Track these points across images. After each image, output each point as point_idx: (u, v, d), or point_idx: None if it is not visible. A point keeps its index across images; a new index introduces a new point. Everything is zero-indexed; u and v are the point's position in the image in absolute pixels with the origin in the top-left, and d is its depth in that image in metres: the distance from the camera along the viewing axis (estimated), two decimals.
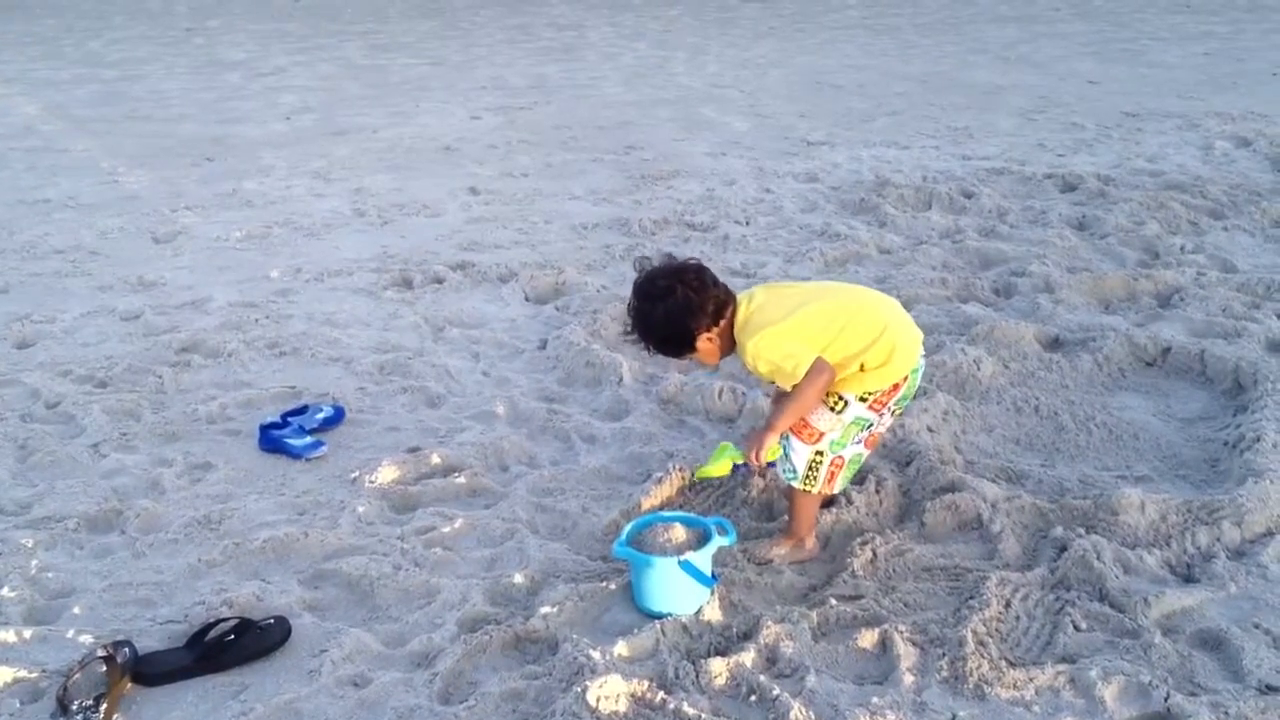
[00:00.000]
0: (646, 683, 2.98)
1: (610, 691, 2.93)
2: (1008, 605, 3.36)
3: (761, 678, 3.00)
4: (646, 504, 3.90)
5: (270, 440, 4.31)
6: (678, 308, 3.38)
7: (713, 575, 3.36)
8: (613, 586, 3.41)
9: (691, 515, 3.52)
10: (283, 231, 7.26)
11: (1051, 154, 9.13)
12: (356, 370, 5.06)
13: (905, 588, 3.49)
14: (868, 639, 3.21)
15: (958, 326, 5.48)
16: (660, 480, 3.99)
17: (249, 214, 7.66)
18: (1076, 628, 3.28)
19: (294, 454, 4.27)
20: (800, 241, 6.91)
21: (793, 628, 3.23)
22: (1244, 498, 3.82)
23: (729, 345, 3.50)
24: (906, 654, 3.14)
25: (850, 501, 3.88)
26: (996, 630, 3.24)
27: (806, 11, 18.00)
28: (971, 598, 3.40)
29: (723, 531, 3.38)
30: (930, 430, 4.42)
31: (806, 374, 3.33)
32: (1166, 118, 10.34)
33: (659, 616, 3.27)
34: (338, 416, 4.55)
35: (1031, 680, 3.02)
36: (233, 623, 3.18)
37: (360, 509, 3.88)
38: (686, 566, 3.24)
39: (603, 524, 3.81)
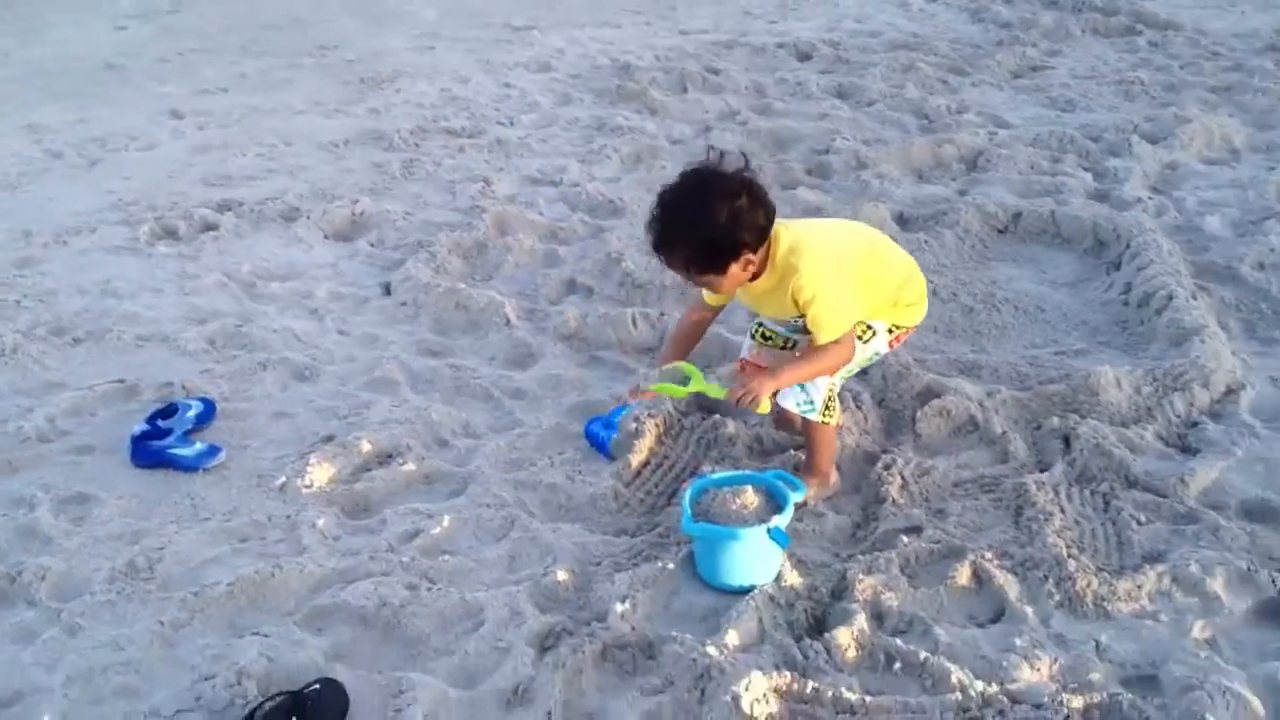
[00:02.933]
0: (788, 674, 2.65)
1: (758, 692, 2.59)
2: (1062, 511, 3.25)
3: (898, 642, 2.76)
4: (635, 460, 3.51)
5: (149, 454, 3.56)
6: (742, 214, 2.94)
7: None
8: (671, 565, 3.04)
9: (744, 471, 3.17)
10: None
11: (763, 21, 9.06)
12: (186, 349, 4.28)
13: (953, 508, 3.33)
14: (963, 575, 3.02)
15: (807, 215, 5.29)
16: (638, 432, 3.60)
17: None
18: (1139, 521, 3.23)
19: (186, 467, 3.54)
20: (582, 140, 6.49)
21: (885, 577, 2.98)
22: (1202, 358, 3.88)
23: (756, 274, 3.11)
24: (1008, 583, 2.98)
25: (838, 424, 3.64)
26: (1074, 540, 3.13)
27: None
28: (1021, 508, 3.28)
29: (791, 486, 3.06)
30: None
31: (838, 340, 3.09)
32: None
33: (741, 591, 2.93)
34: (209, 411, 3.82)
35: (1140, 588, 2.94)
36: (279, 700, 2.57)
37: (319, 522, 3.27)
38: (776, 534, 2.91)
39: (601, 491, 3.40)
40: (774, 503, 3.02)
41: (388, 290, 4.75)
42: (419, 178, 5.96)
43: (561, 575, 3.02)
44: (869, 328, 3.28)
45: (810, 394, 3.25)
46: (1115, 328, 4.35)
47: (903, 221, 5.23)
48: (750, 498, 3.00)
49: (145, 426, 3.64)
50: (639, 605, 2.90)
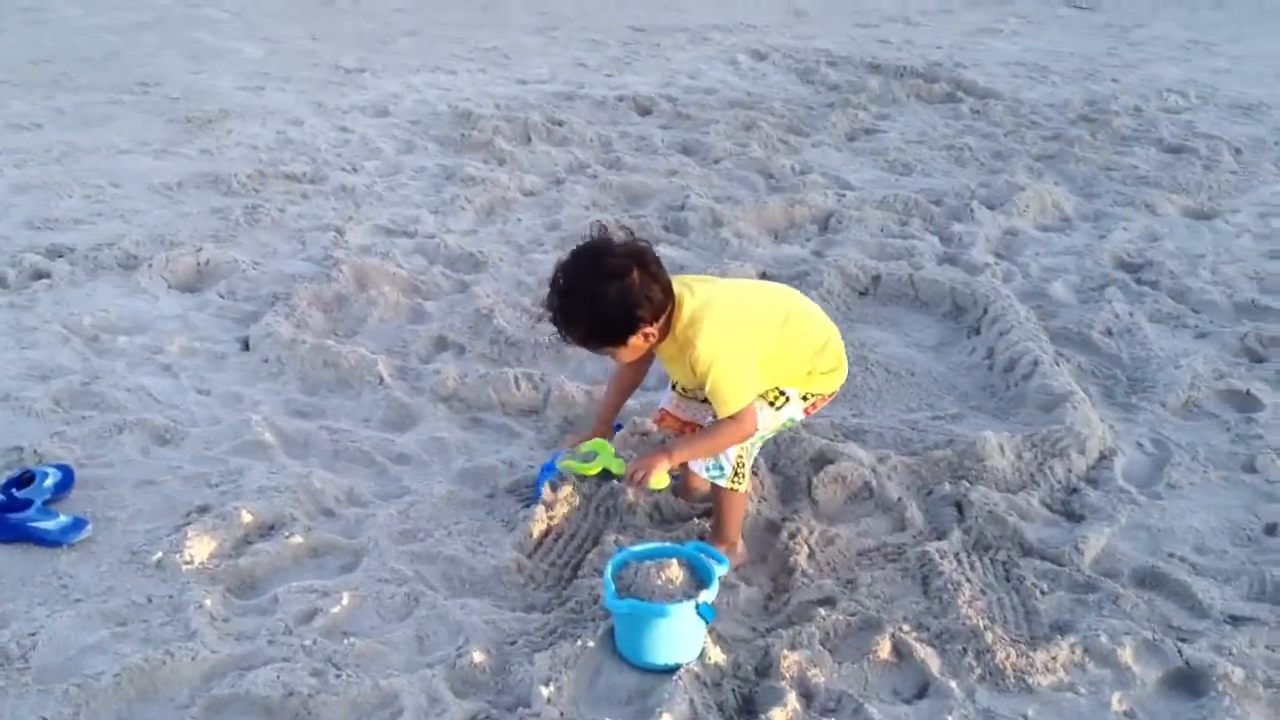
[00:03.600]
0: None
1: None
2: (968, 580, 3.29)
3: None
4: (537, 531, 3.41)
5: (8, 528, 3.27)
6: (632, 292, 2.99)
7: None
8: (590, 644, 2.94)
9: (660, 544, 3.10)
10: None
11: (599, 74, 9.09)
12: (31, 410, 3.96)
13: (863, 578, 3.32)
14: (883, 648, 3.01)
15: (670, 272, 5.28)
16: (542, 503, 3.50)
17: None
18: (1042, 591, 3.29)
19: (49, 541, 3.27)
20: (432, 189, 6.36)
21: (809, 653, 2.96)
22: (1075, 425, 4.01)
23: (660, 340, 3.14)
24: (929, 657, 2.99)
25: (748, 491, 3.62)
26: (984, 611, 3.16)
27: None
28: (928, 577, 3.31)
29: (713, 558, 3.01)
30: None
31: (735, 416, 3.09)
32: (672, 31, 10.66)
33: (665, 669, 2.86)
34: (68, 479, 3.55)
35: (1055, 659, 2.99)
36: None
37: (205, 602, 3.04)
38: (704, 610, 2.86)
39: (505, 564, 3.28)
40: (695, 576, 2.96)
41: (246, 345, 4.51)
42: (264, 225, 5.72)
43: (477, 657, 2.89)
44: (783, 394, 3.27)
45: (720, 460, 3.23)
46: (983, 392, 4.46)
47: (764, 280, 5.26)
48: (675, 571, 2.92)
49: (0, 497, 3.34)
50: (563, 688, 2.79)
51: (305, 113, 7.67)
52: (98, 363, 4.32)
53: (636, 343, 3.08)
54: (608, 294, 2.96)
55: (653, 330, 3.06)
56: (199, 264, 5.20)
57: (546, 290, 3.11)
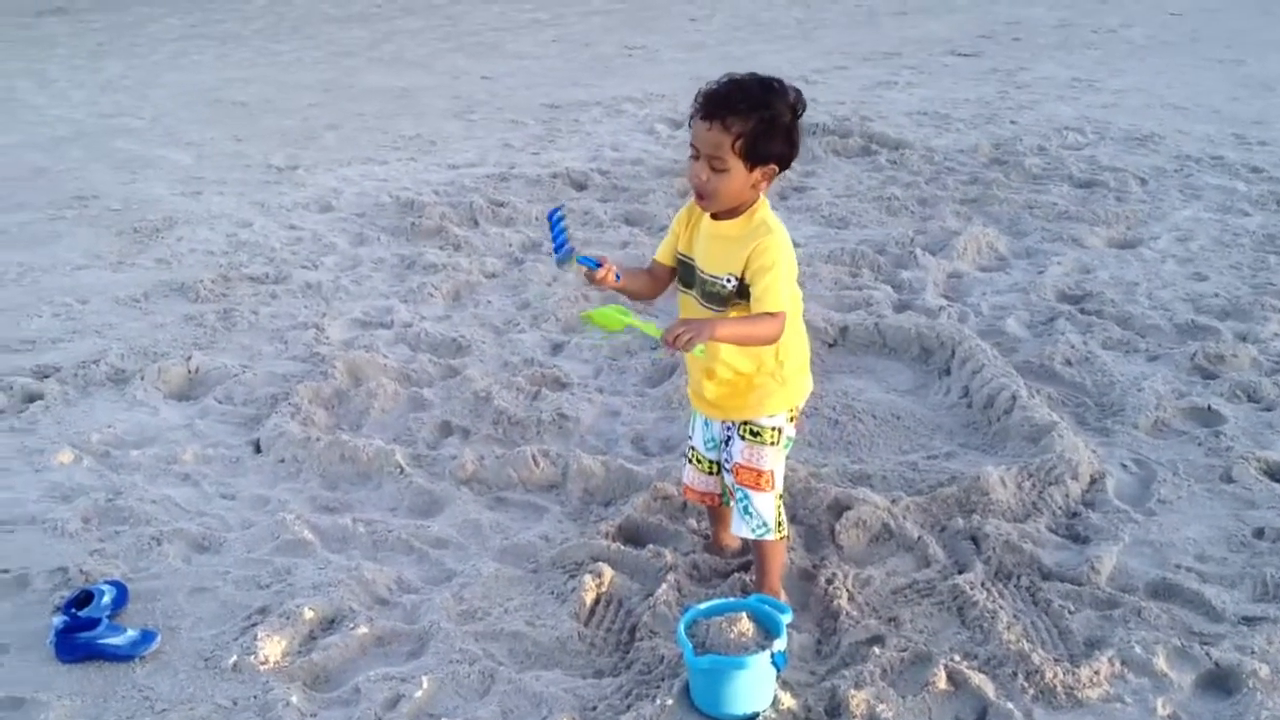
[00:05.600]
0: None
1: None
2: (1001, 609, 3.53)
3: None
4: (588, 599, 3.59)
5: (77, 647, 3.35)
6: (795, 128, 3.20)
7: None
8: (670, 700, 3.12)
9: (724, 600, 3.30)
10: None
11: (526, 153, 9.30)
12: (64, 530, 4.03)
13: (904, 615, 3.55)
14: (940, 679, 3.22)
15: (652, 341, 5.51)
16: (588, 574, 3.68)
17: None
18: (1069, 611, 3.54)
19: (120, 656, 3.36)
20: (396, 279, 6.51)
21: (874, 690, 3.16)
22: (1065, 452, 4.29)
23: (748, 203, 3.27)
24: (983, 683, 3.20)
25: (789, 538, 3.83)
26: (1023, 635, 3.40)
27: (120, 25, 16.42)
28: (963, 609, 3.54)
29: (776, 609, 3.21)
30: None
31: (773, 314, 3.21)
32: (587, 106, 10.92)
33: (745, 719, 3.05)
34: (123, 595, 3.64)
35: (1099, 673, 3.23)
36: None
37: (293, 699, 3.16)
38: (779, 658, 3.06)
39: (566, 634, 3.45)
40: (762, 627, 3.15)
41: (258, 448, 4.62)
42: (241, 328, 5.82)
43: None
44: (775, 429, 3.45)
45: (762, 517, 3.45)
46: (967, 429, 4.74)
47: None
48: (745, 625, 3.12)
49: (65, 618, 3.42)
50: None
51: (250, 214, 7.76)
52: (115, 478, 4.40)
53: (752, 182, 3.19)
54: (780, 105, 3.15)
55: (770, 175, 3.21)
56: (190, 372, 5.29)
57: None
